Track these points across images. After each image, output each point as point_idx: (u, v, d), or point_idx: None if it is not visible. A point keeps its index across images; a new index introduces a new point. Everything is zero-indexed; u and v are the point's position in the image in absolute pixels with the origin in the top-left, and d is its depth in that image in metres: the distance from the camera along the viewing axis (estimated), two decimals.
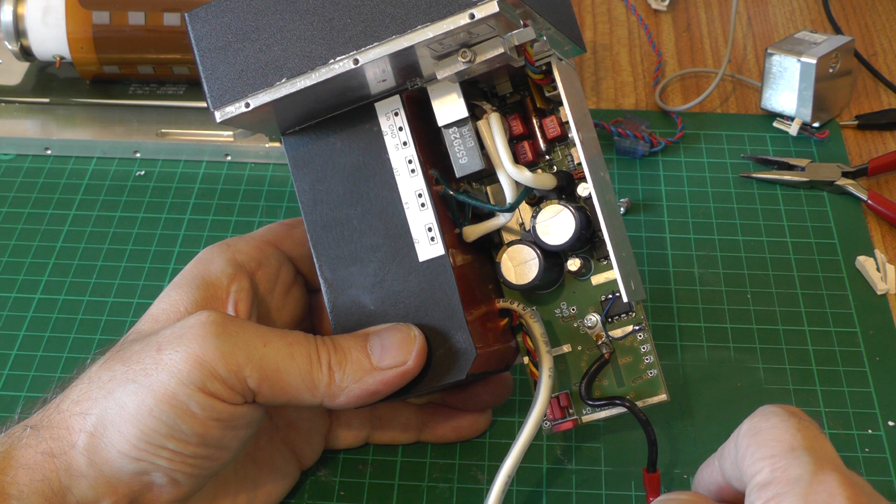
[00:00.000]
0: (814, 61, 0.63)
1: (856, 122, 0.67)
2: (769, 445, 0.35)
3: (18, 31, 0.66)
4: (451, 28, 0.38)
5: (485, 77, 0.44)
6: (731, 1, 0.75)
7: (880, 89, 0.70)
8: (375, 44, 0.39)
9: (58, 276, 0.58)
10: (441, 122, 0.43)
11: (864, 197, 0.61)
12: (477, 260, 0.45)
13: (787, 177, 0.63)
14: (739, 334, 0.54)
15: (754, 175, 0.63)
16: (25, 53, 0.67)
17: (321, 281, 0.44)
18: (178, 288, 0.43)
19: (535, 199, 0.45)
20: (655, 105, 0.69)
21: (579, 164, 0.44)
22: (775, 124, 0.67)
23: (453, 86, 0.42)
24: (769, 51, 0.65)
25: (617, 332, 0.44)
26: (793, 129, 0.66)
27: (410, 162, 0.43)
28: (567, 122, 0.43)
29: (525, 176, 0.43)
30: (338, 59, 0.40)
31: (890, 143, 0.66)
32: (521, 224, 0.45)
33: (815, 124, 0.66)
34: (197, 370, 0.39)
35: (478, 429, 0.49)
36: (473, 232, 0.44)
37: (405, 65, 0.41)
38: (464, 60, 0.40)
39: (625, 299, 0.42)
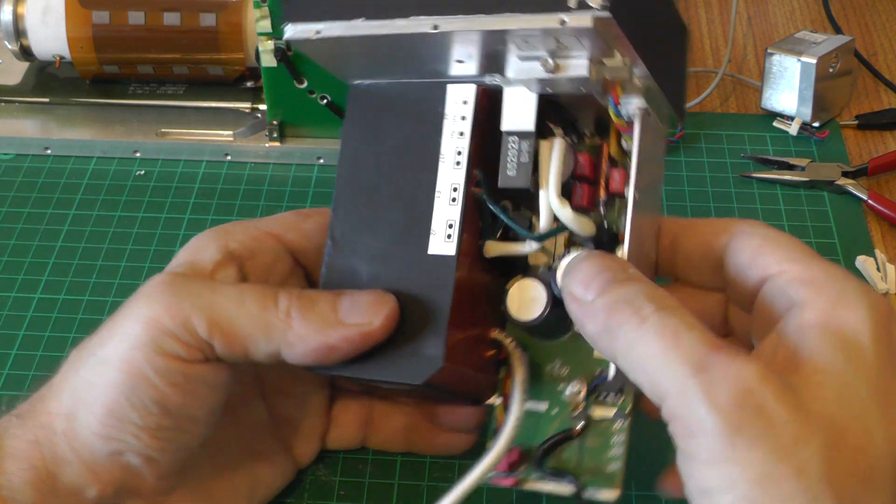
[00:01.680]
0: (814, 61, 0.63)
1: (856, 122, 0.67)
2: (793, 248, 0.38)
3: (18, 31, 0.66)
4: (538, 27, 0.35)
5: (569, 103, 0.41)
6: (731, 1, 0.75)
7: (880, 89, 0.70)
8: (461, 16, 0.37)
9: (58, 276, 0.58)
10: (505, 126, 0.40)
11: (864, 197, 0.61)
12: (489, 280, 0.42)
13: (787, 176, 0.63)
14: None
15: (754, 175, 0.63)
16: (25, 53, 0.67)
17: (328, 239, 0.41)
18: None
19: (570, 242, 0.42)
20: None
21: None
22: (775, 124, 0.67)
23: (531, 96, 0.40)
24: (769, 50, 0.65)
25: (597, 412, 0.41)
26: (793, 129, 0.66)
27: (459, 153, 0.40)
28: (629, 181, 0.40)
29: (565, 212, 0.40)
30: (420, 17, 0.37)
31: (890, 143, 0.66)
32: (553, 264, 0.41)
33: (815, 124, 0.66)
34: (146, 330, 0.38)
35: (454, 447, 0.47)
36: (495, 248, 0.41)
37: (487, 52, 0.38)
38: (545, 69, 0.37)
39: (609, 376, 0.39)
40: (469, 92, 0.41)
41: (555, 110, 0.41)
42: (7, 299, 0.57)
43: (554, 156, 0.40)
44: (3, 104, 0.68)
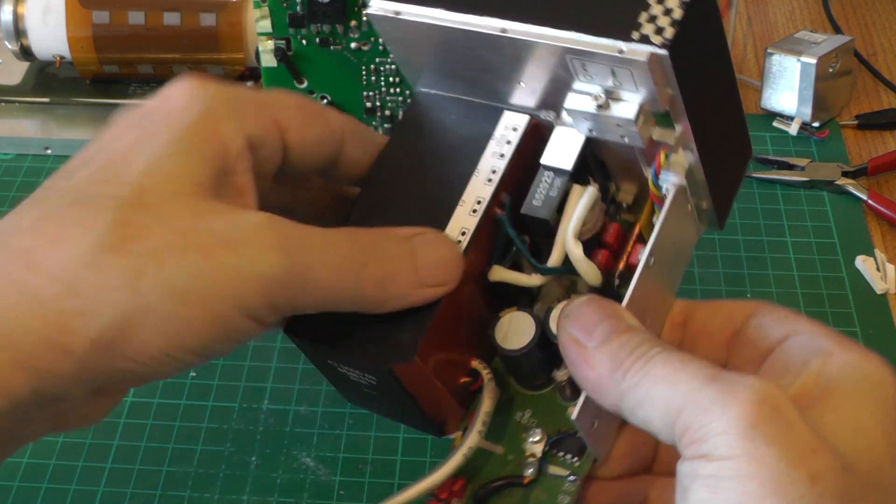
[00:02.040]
0: (814, 61, 0.63)
1: (856, 122, 0.67)
2: (819, 322, 0.36)
3: (18, 31, 0.66)
4: (597, 50, 0.35)
5: (614, 168, 0.41)
6: (731, 1, 0.75)
7: (880, 89, 0.70)
8: (530, 25, 0.37)
9: None
10: (545, 159, 0.40)
11: (864, 197, 0.61)
12: (483, 306, 0.41)
13: (787, 176, 0.63)
14: None
15: (754, 174, 0.63)
16: (25, 53, 0.67)
17: (350, 213, 0.41)
18: (184, 154, 0.35)
19: (571, 289, 0.41)
20: None
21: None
22: (775, 124, 0.67)
23: (579, 137, 0.40)
24: (769, 50, 0.65)
25: (552, 468, 0.40)
26: (793, 129, 0.66)
27: (493, 172, 0.40)
28: (642, 255, 0.39)
29: (576, 253, 0.39)
30: (494, 18, 0.38)
31: (890, 142, 0.66)
32: (550, 305, 0.41)
33: (815, 124, 0.66)
34: (247, 293, 0.33)
35: None
36: (499, 273, 0.40)
37: (547, 76, 0.39)
38: (596, 103, 0.37)
39: (574, 414, 0.37)
40: (521, 120, 0.41)
41: (600, 170, 0.41)
42: None
43: (582, 201, 0.40)
44: (3, 104, 0.68)
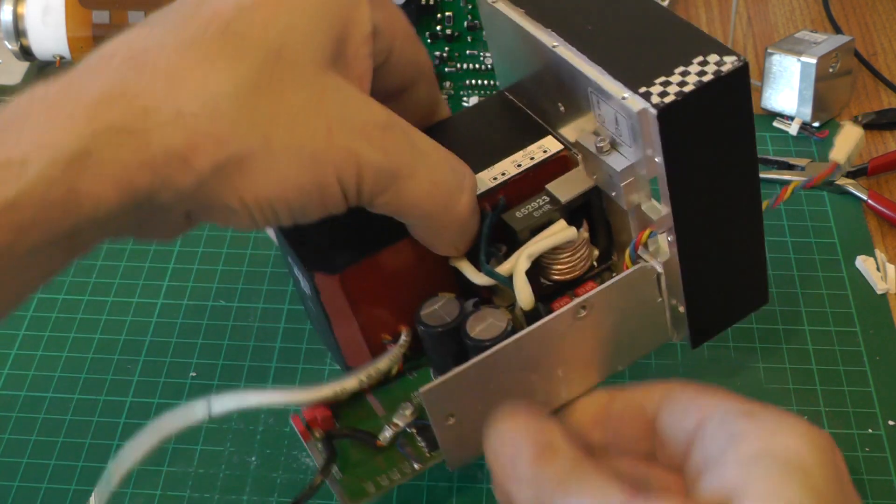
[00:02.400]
0: (814, 61, 0.63)
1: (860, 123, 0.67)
2: (727, 392, 0.35)
3: (18, 31, 0.66)
4: (608, 90, 0.37)
5: (617, 230, 0.43)
6: (731, 1, 0.75)
7: (880, 89, 0.70)
8: (575, 50, 0.39)
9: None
10: (550, 185, 0.42)
11: (864, 197, 0.61)
12: (436, 280, 0.42)
13: (786, 176, 0.63)
14: (739, 333, 0.54)
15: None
16: (25, 53, 0.67)
17: None
18: (322, 25, 0.36)
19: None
20: None
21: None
22: (775, 124, 0.67)
23: (588, 181, 0.41)
24: (769, 50, 0.65)
25: (407, 446, 0.43)
26: (793, 129, 0.66)
27: (503, 175, 0.42)
28: (575, 300, 0.40)
29: (520, 271, 0.40)
30: (554, 33, 0.40)
31: (890, 143, 0.66)
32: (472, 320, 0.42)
33: (815, 124, 0.66)
34: (351, 175, 0.36)
35: None
36: (456, 261, 0.42)
37: (577, 106, 0.41)
38: (597, 144, 0.39)
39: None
40: (554, 146, 0.43)
41: (605, 230, 0.43)
42: None
43: (556, 235, 0.41)
44: (3, 104, 0.68)
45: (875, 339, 0.54)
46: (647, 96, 0.36)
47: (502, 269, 0.41)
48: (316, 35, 0.36)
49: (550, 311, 0.40)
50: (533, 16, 0.41)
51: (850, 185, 0.62)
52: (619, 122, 0.38)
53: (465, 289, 0.42)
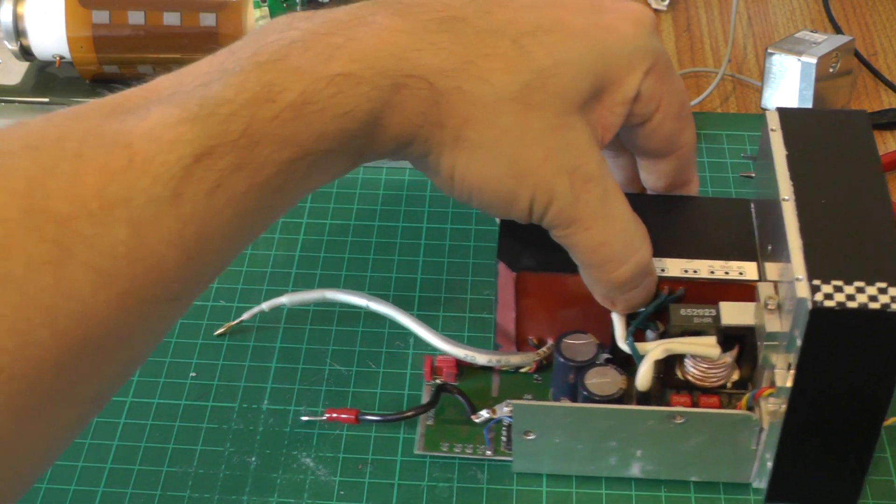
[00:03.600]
0: (814, 61, 0.63)
1: None
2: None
3: (18, 31, 0.66)
4: (793, 265, 0.40)
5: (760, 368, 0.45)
6: (731, 1, 0.75)
7: (880, 89, 0.70)
8: (795, 215, 0.42)
9: None
10: (722, 303, 0.45)
11: None
12: (598, 316, 0.46)
13: None
14: None
15: (754, 174, 0.63)
16: (25, 53, 0.67)
17: None
18: (595, 68, 0.41)
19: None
20: None
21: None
22: None
23: (751, 319, 0.44)
24: (769, 50, 0.65)
25: (489, 434, 0.48)
26: None
27: (695, 272, 0.46)
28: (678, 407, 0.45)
29: (649, 359, 0.44)
30: (792, 191, 0.43)
31: (890, 142, 0.66)
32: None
33: None
34: (546, 208, 0.42)
35: None
36: (615, 317, 0.46)
37: (779, 255, 0.43)
38: (771, 294, 0.43)
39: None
40: (751, 273, 0.46)
41: (751, 363, 0.45)
42: None
43: (699, 349, 0.45)
44: (3, 104, 0.68)
45: None
46: (815, 289, 0.38)
47: (642, 346, 0.45)
48: (583, 79, 0.40)
49: (664, 402, 0.45)
50: (790, 160, 0.43)
51: None
52: (789, 293, 0.40)
53: (613, 342, 0.46)
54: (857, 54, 0.71)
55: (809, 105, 0.64)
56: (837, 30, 0.74)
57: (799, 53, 0.64)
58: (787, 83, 0.65)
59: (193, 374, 0.53)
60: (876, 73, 0.71)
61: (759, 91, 0.67)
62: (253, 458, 0.49)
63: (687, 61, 0.72)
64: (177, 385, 0.52)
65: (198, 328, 0.55)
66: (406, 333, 0.53)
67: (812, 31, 0.67)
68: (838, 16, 0.76)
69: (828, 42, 0.65)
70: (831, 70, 0.64)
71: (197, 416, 0.51)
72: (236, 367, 0.53)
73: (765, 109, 0.67)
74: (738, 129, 0.67)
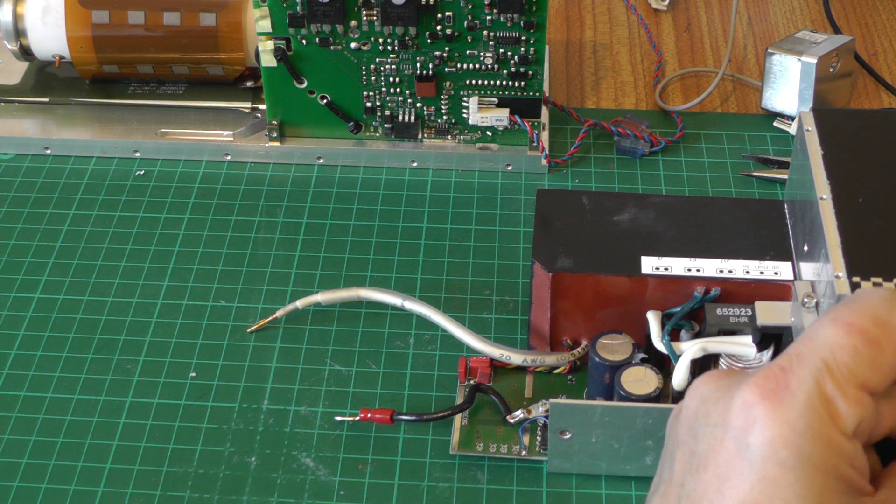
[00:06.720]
0: (814, 61, 0.63)
1: None
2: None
3: (18, 31, 0.66)
4: (831, 261, 0.40)
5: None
6: (731, 1, 0.75)
7: (880, 89, 0.70)
8: (833, 213, 0.42)
9: (57, 276, 0.58)
10: (758, 302, 0.45)
11: None
12: (634, 316, 0.47)
13: (786, 175, 0.63)
14: None
15: (755, 174, 0.63)
16: (25, 53, 0.67)
17: None
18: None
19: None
20: (656, 105, 0.69)
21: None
22: (776, 124, 0.67)
23: (787, 319, 0.45)
24: (769, 50, 0.65)
25: (524, 434, 0.48)
26: (793, 129, 0.66)
27: (730, 272, 0.47)
28: None
29: (685, 359, 0.45)
30: (829, 190, 0.43)
31: None
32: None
33: None
34: None
35: None
36: (651, 317, 0.47)
37: (815, 255, 0.44)
38: (809, 292, 0.42)
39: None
40: (786, 273, 0.47)
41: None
42: (7, 299, 0.57)
43: (735, 348, 0.45)
44: (3, 104, 0.68)
45: None
46: (855, 286, 0.39)
47: (678, 345, 0.45)
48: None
49: None
50: (826, 160, 0.44)
51: None
52: (828, 290, 0.40)
53: (648, 341, 0.47)
54: (857, 55, 0.71)
55: (810, 105, 0.64)
56: (837, 30, 0.74)
57: (799, 53, 0.64)
58: (788, 83, 0.65)
59: (193, 374, 0.53)
60: (876, 74, 0.71)
61: (760, 91, 0.67)
62: (253, 458, 0.49)
63: (687, 61, 0.72)
64: (177, 385, 0.52)
65: (198, 328, 0.55)
66: (406, 334, 0.53)
67: (812, 31, 0.67)
68: (838, 16, 0.76)
69: (828, 42, 0.65)
70: (831, 70, 0.64)
71: (197, 416, 0.51)
72: (236, 367, 0.53)
73: (765, 109, 0.67)
74: (738, 129, 0.67)
